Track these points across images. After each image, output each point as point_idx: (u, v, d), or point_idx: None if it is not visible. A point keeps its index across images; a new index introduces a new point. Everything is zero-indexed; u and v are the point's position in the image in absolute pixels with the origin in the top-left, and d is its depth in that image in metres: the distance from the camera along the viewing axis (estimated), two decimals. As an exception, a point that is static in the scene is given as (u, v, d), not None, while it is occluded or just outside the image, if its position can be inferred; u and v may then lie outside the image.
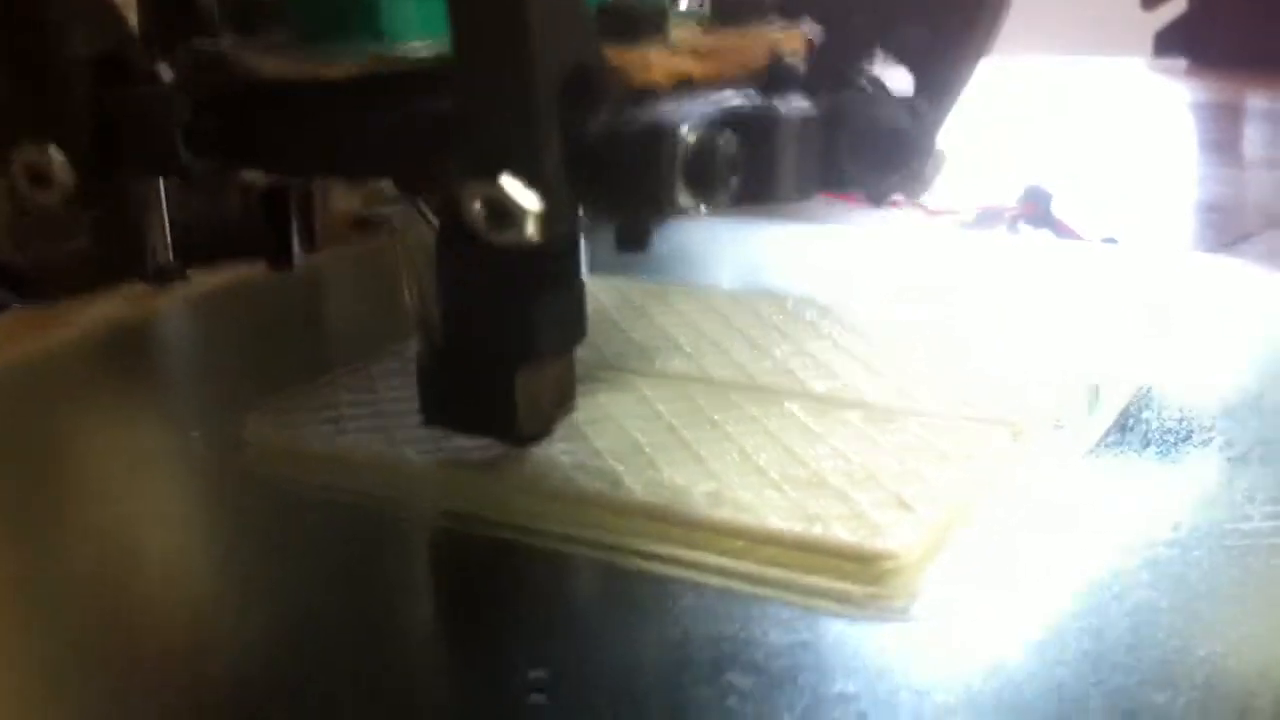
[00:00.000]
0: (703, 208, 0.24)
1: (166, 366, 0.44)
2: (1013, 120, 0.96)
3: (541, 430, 0.30)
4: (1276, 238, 0.65)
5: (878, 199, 0.27)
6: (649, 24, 0.26)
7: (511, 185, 0.23)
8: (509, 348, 0.28)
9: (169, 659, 0.25)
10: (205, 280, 0.47)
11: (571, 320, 0.29)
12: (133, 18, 0.30)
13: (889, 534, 0.27)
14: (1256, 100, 1.12)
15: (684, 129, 0.23)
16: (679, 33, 0.27)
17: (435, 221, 0.28)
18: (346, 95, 0.26)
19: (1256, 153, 0.97)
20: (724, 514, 0.28)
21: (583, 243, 0.30)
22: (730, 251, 0.50)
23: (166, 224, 0.47)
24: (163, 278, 0.46)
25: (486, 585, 0.27)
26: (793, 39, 0.29)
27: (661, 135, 0.23)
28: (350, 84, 0.26)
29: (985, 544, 0.28)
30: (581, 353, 0.31)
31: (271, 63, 0.27)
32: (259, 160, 0.28)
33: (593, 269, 0.35)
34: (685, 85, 0.26)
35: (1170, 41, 1.28)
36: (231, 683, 0.24)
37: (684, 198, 0.23)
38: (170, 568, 0.29)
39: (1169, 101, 1.13)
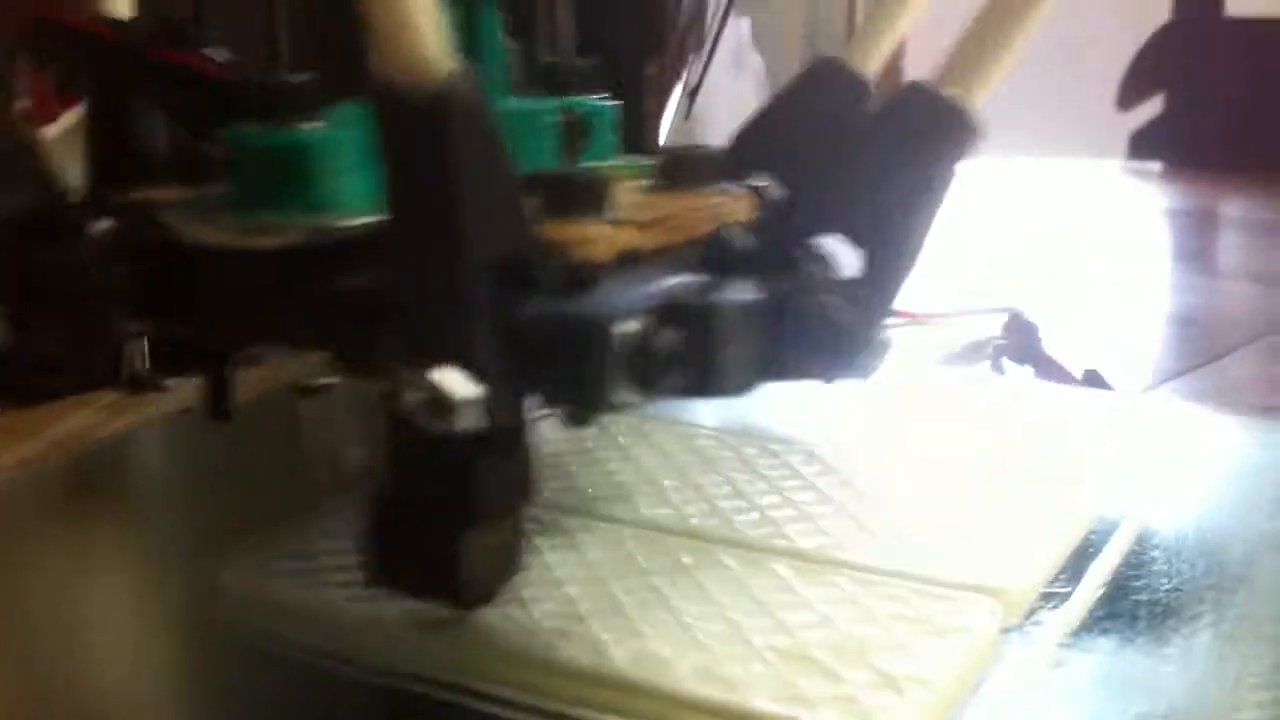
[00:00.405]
0: (639, 401, 0.23)
1: (139, 490, 0.42)
2: (989, 222, 0.96)
3: (485, 597, 0.28)
4: (1247, 357, 0.64)
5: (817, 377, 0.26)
6: (589, 197, 0.26)
7: (444, 377, 0.22)
8: (452, 511, 0.27)
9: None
10: (182, 392, 0.44)
11: (516, 483, 0.28)
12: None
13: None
14: (1230, 207, 1.13)
15: (619, 325, 0.23)
16: (624, 197, 0.27)
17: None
18: (279, 265, 0.26)
19: (1230, 262, 0.97)
20: (712, 693, 0.26)
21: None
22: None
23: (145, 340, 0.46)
24: (138, 387, 0.44)
25: None
26: (740, 204, 0.28)
27: (596, 331, 0.23)
28: (283, 254, 0.26)
29: None
30: (562, 493, 0.30)
31: (206, 231, 0.26)
32: (192, 325, 0.28)
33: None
34: (628, 258, 0.26)
35: (1145, 144, 1.28)
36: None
37: (621, 393, 0.23)
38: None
39: (1143, 206, 1.13)
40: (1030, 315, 0.60)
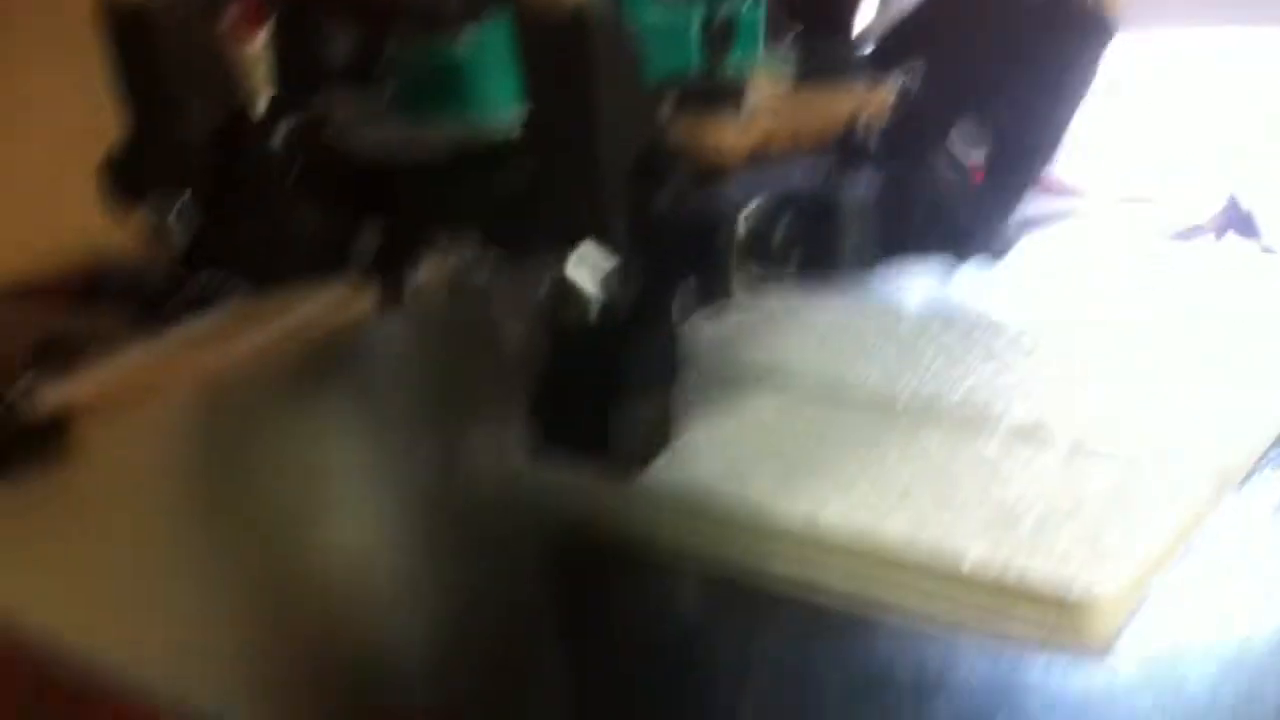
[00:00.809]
0: (762, 285, 0.25)
1: (374, 374, 0.45)
2: (1199, 101, 0.92)
3: (638, 464, 0.30)
4: None
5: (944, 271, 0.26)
6: (724, 99, 0.27)
7: (576, 273, 0.24)
8: (605, 382, 0.29)
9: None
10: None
11: (663, 363, 0.30)
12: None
13: (1087, 580, 0.26)
14: None
15: (742, 215, 0.24)
16: (762, 95, 0.28)
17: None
18: (431, 164, 0.28)
19: None
20: (922, 553, 0.27)
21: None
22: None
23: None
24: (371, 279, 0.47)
25: (683, 616, 0.28)
26: (877, 98, 0.29)
27: (720, 219, 0.24)
28: (442, 156, 0.28)
29: (1183, 592, 0.27)
30: (786, 363, 0.33)
31: (372, 139, 0.29)
32: (365, 219, 0.30)
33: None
34: (760, 154, 0.27)
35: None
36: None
37: (743, 279, 0.24)
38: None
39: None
40: (1246, 199, 0.58)
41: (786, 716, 0.23)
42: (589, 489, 0.31)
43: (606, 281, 0.24)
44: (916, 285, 0.42)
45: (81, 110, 0.49)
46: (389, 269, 0.32)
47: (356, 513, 0.33)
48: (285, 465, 0.35)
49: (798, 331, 0.39)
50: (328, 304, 0.47)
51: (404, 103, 0.29)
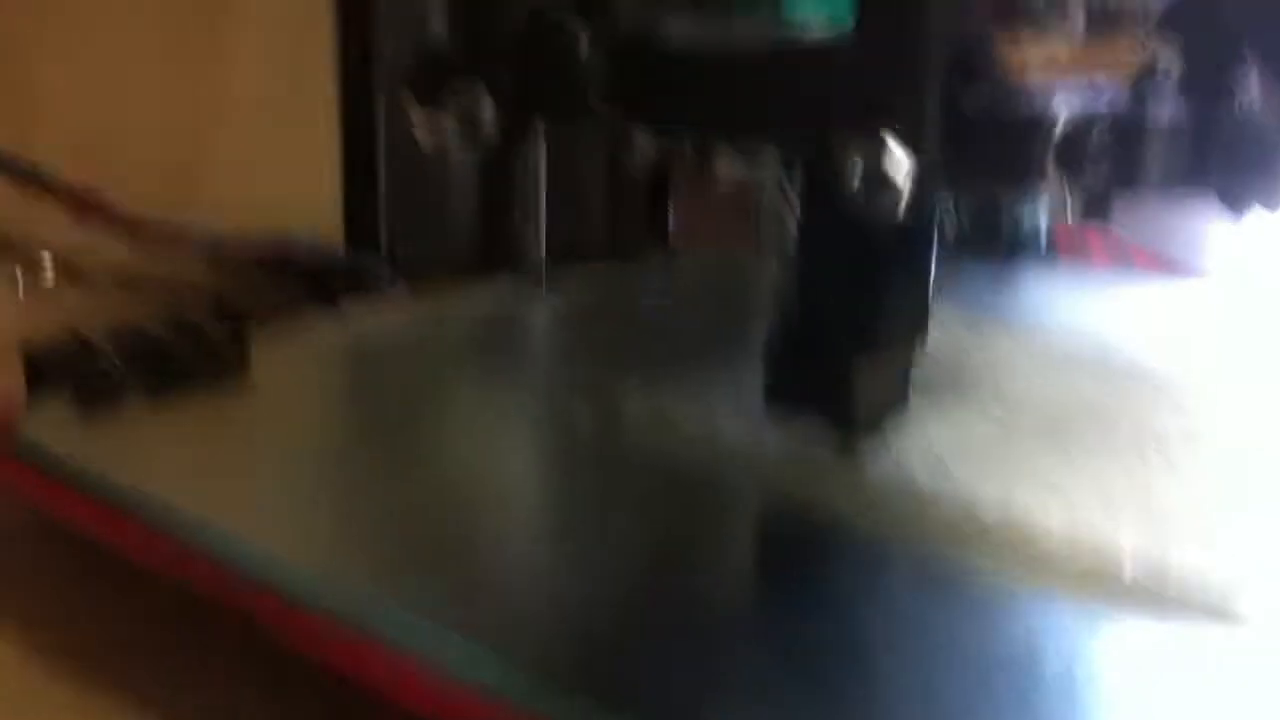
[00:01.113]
0: (1068, 191, 0.25)
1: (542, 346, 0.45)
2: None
3: (876, 422, 0.30)
4: None
5: (1238, 208, 0.26)
6: (1036, 20, 0.28)
7: (890, 146, 0.24)
8: (850, 335, 0.29)
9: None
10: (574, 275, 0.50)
11: (915, 315, 0.30)
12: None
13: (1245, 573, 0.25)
14: None
15: (1059, 114, 0.24)
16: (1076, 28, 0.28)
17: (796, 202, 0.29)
18: (745, 63, 0.28)
19: None
20: (1080, 552, 0.26)
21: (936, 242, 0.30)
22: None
23: (543, 225, 0.53)
24: (535, 273, 0.49)
25: (845, 584, 0.27)
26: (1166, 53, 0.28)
27: (1034, 123, 0.24)
28: (750, 54, 0.28)
29: None
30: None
31: (677, 23, 0.29)
32: (658, 118, 0.30)
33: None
34: (1062, 80, 0.27)
35: None
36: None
37: (1052, 178, 0.24)
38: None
39: None
40: None
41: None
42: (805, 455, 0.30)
43: (911, 180, 0.25)
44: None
45: (288, 84, 0.50)
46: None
47: (554, 469, 0.33)
48: (476, 405, 0.36)
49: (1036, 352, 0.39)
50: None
51: (718, 3, 0.30)
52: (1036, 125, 0.24)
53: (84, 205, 0.48)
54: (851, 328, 0.29)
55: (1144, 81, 0.26)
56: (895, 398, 0.30)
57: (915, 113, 0.24)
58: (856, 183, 0.24)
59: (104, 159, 0.50)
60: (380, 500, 0.29)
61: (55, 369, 0.34)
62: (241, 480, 0.30)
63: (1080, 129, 0.24)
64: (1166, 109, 0.26)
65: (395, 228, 0.66)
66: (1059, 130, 0.24)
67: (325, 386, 0.39)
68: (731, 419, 0.32)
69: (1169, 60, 0.26)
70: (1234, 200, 0.25)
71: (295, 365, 0.39)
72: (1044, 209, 0.64)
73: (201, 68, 0.53)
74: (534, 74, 0.29)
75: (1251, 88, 0.26)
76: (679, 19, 0.29)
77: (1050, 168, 0.24)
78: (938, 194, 0.28)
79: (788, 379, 0.30)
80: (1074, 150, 0.24)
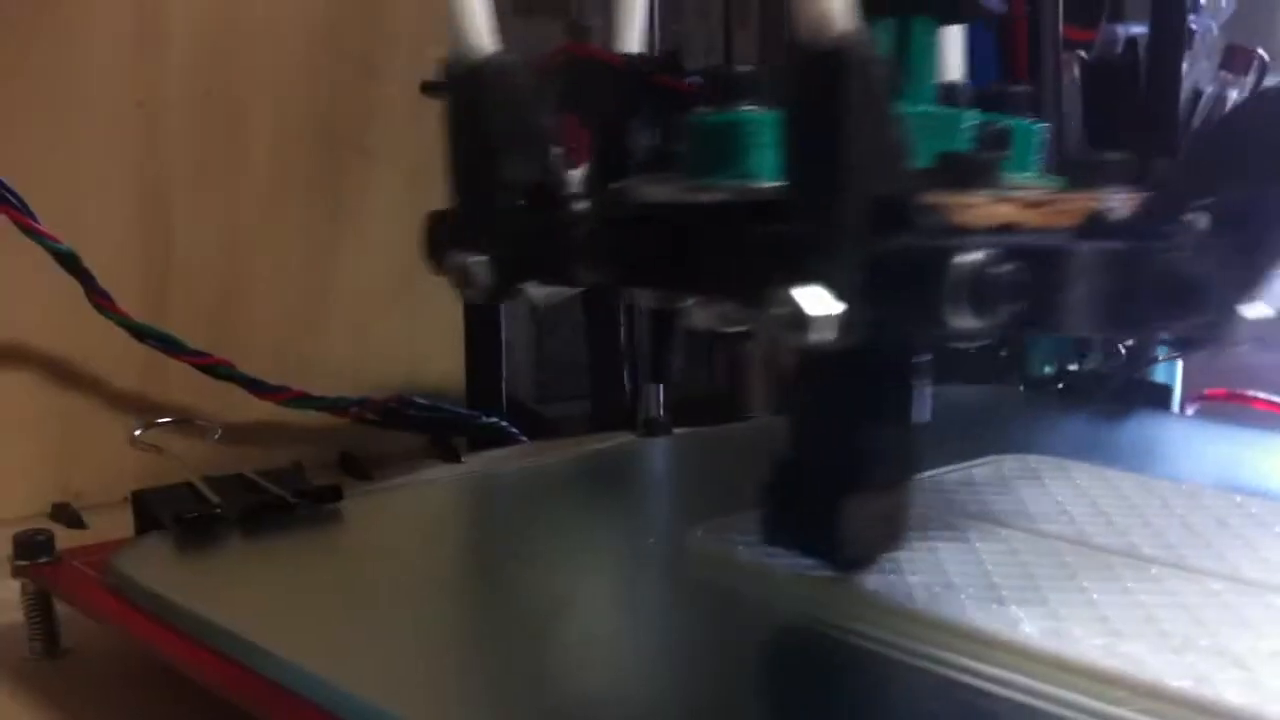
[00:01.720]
0: (979, 327, 0.25)
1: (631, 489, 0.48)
2: None
3: (865, 559, 0.32)
4: None
5: (1183, 346, 0.26)
6: (980, 173, 0.28)
7: (810, 294, 0.25)
8: (840, 475, 0.30)
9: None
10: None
11: (902, 456, 0.31)
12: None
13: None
14: None
15: (962, 258, 0.25)
16: (1024, 190, 0.29)
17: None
18: (706, 221, 0.30)
19: None
20: (1115, 665, 0.27)
21: (925, 391, 0.32)
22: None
23: (661, 388, 0.59)
24: (651, 430, 0.52)
25: (871, 703, 0.28)
26: (1130, 201, 0.29)
27: (940, 255, 0.25)
28: (711, 210, 0.30)
29: None
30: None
31: (654, 191, 0.31)
32: (633, 276, 0.32)
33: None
34: (1006, 229, 0.28)
35: None
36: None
37: (963, 317, 0.25)
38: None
39: None
40: None
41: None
42: (808, 582, 0.32)
43: (835, 325, 0.25)
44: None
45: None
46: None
47: (587, 606, 0.34)
48: (533, 552, 0.38)
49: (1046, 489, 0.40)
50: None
51: (690, 170, 0.31)
52: (942, 262, 0.25)
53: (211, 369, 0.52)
54: (838, 470, 0.30)
55: (1085, 229, 0.27)
56: (888, 532, 0.31)
57: (841, 262, 0.25)
58: (783, 327, 0.25)
59: (231, 326, 0.54)
60: (452, 640, 0.31)
61: (162, 509, 0.37)
62: (304, 614, 0.32)
63: (987, 266, 0.25)
64: (1087, 246, 0.26)
65: (518, 385, 0.70)
66: (965, 268, 0.25)
67: (413, 532, 0.41)
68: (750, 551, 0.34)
69: (1105, 220, 0.28)
70: (1162, 328, 0.26)
71: (390, 512, 0.42)
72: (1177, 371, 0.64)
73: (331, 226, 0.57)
74: (524, 243, 0.31)
75: (1180, 233, 0.26)
76: (653, 187, 0.31)
77: (958, 307, 0.25)
78: (916, 346, 0.30)
79: (783, 518, 0.31)
80: (985, 284, 0.25)
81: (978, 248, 0.25)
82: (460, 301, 0.58)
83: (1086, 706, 0.26)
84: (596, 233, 0.30)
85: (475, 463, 0.54)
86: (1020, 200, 0.29)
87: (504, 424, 0.57)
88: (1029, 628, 0.29)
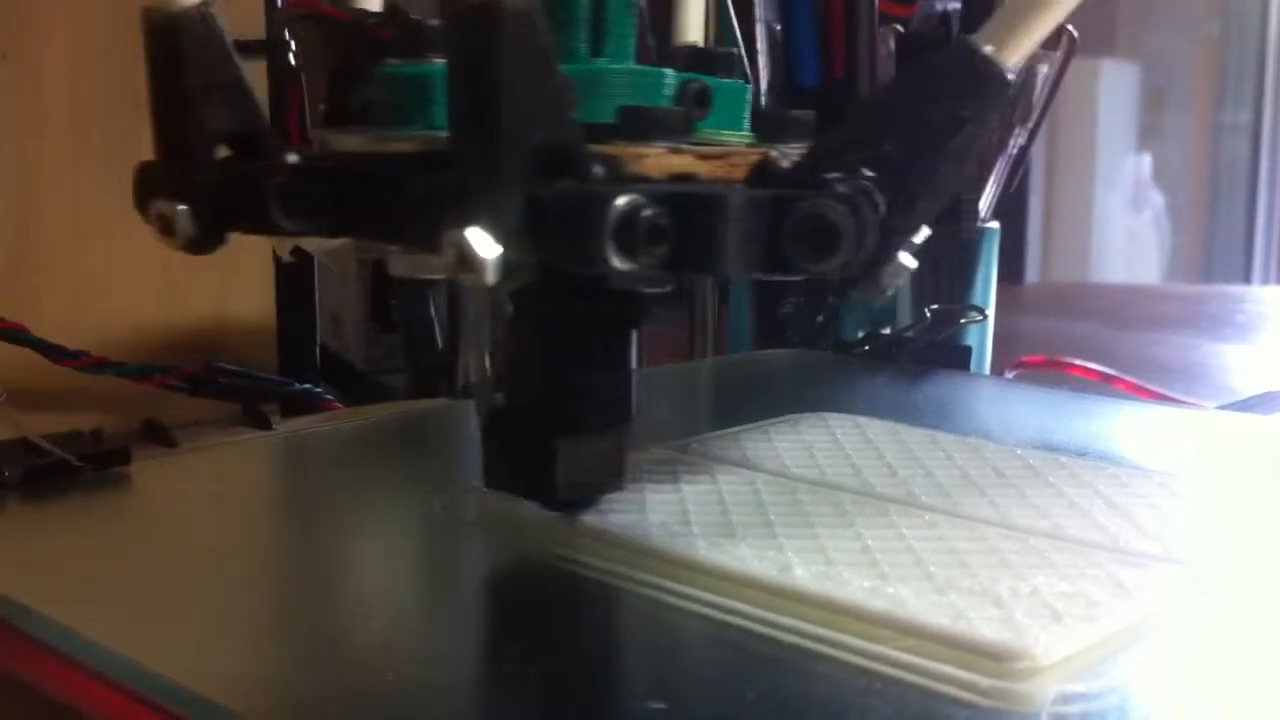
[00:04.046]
0: (631, 269, 0.26)
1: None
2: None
3: (583, 500, 0.33)
4: None
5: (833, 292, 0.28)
6: (660, 127, 0.30)
7: (473, 235, 0.26)
8: (553, 419, 0.32)
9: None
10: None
11: (616, 401, 0.32)
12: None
13: (1032, 638, 0.26)
14: None
15: (616, 199, 0.26)
16: (707, 146, 0.31)
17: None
18: (396, 169, 0.30)
19: None
20: (879, 605, 0.28)
21: (635, 336, 0.33)
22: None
23: (485, 354, 0.52)
24: (470, 395, 0.50)
25: (639, 648, 0.29)
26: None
27: (592, 200, 0.26)
28: (401, 160, 0.31)
29: (1139, 669, 0.26)
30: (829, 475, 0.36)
31: (346, 141, 0.33)
32: (332, 224, 0.32)
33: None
34: (680, 179, 0.30)
35: None
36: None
37: (612, 258, 0.26)
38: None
39: None
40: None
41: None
42: (538, 523, 0.33)
43: (496, 266, 0.26)
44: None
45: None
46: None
47: (357, 564, 0.34)
48: (312, 515, 0.38)
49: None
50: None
51: (387, 121, 0.32)
52: (592, 207, 0.26)
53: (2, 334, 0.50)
54: (553, 412, 0.32)
55: (754, 178, 0.29)
56: (604, 475, 0.33)
57: (494, 206, 0.26)
58: (449, 269, 0.26)
59: (26, 291, 0.52)
60: (226, 604, 0.30)
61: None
62: (80, 578, 0.31)
63: (633, 209, 0.26)
64: (735, 192, 0.27)
65: (353, 355, 0.70)
66: (615, 211, 0.26)
67: (201, 496, 0.40)
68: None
69: (777, 165, 0.29)
70: (808, 271, 0.28)
71: (180, 476, 0.41)
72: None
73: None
74: (224, 192, 0.31)
75: (834, 185, 0.28)
76: (345, 139, 0.32)
77: (609, 249, 0.26)
78: (634, 290, 0.31)
79: (499, 460, 0.33)
80: (633, 227, 0.26)
81: (626, 193, 0.26)
82: (270, 263, 0.57)
83: (852, 645, 0.27)
84: (295, 181, 0.30)
85: (284, 429, 0.53)
86: (695, 153, 0.30)
87: (317, 390, 0.56)
88: (801, 571, 0.29)
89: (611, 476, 0.33)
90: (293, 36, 0.50)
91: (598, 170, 0.28)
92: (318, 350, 0.61)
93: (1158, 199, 2.44)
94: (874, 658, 0.26)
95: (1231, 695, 0.26)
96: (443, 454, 0.46)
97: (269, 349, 0.59)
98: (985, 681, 0.25)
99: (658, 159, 0.30)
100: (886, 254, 0.28)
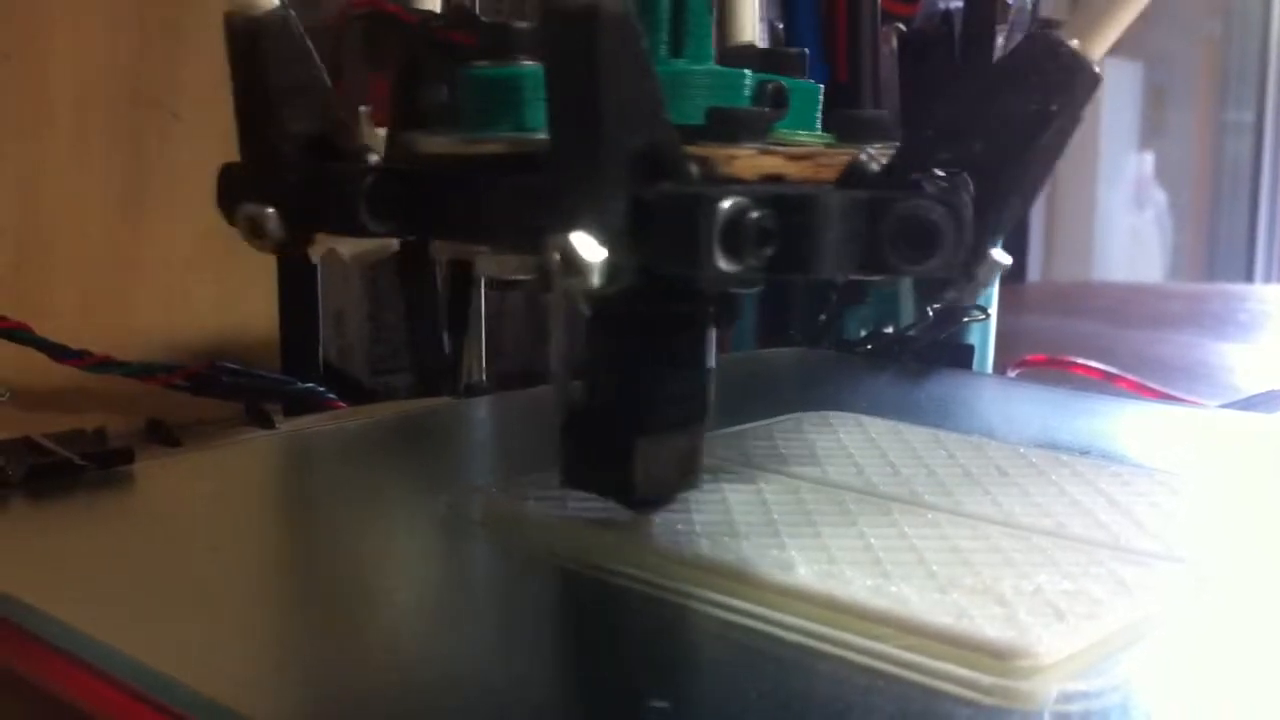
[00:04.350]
0: (735, 271, 0.26)
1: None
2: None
3: (660, 498, 0.32)
4: None
5: (927, 292, 0.28)
6: (747, 128, 0.30)
7: (578, 239, 0.26)
8: (631, 417, 0.31)
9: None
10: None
11: (692, 400, 0.32)
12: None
13: (1035, 636, 0.26)
14: None
15: (720, 204, 0.26)
16: (789, 145, 0.30)
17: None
18: (484, 171, 0.31)
19: None
20: (882, 604, 0.28)
21: (712, 335, 0.33)
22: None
23: (483, 349, 0.57)
24: (472, 395, 0.53)
25: (641, 646, 0.29)
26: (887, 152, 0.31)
27: (700, 202, 0.26)
28: (488, 162, 0.31)
29: (1141, 667, 0.26)
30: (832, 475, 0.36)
31: (431, 143, 0.32)
32: (419, 225, 0.33)
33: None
34: (771, 180, 0.30)
35: None
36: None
37: (719, 261, 0.26)
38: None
39: None
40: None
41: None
42: (544, 523, 0.33)
43: (601, 269, 0.26)
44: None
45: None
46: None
47: (372, 567, 0.34)
48: (328, 514, 0.38)
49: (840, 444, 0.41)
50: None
51: (468, 124, 0.32)
52: (698, 209, 0.26)
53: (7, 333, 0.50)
54: (631, 413, 0.31)
55: (845, 179, 0.29)
56: (681, 474, 0.32)
57: (597, 209, 0.26)
58: (557, 273, 0.26)
59: (30, 290, 0.53)
60: (229, 604, 0.30)
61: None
62: (84, 577, 0.31)
63: (740, 211, 0.26)
64: (836, 194, 0.27)
65: (352, 356, 0.70)
66: (721, 213, 0.26)
67: (205, 496, 0.40)
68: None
69: (860, 171, 0.29)
70: (921, 284, 0.27)
71: (184, 476, 0.41)
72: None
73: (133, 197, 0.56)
74: (311, 194, 0.31)
75: (927, 184, 0.28)
76: (431, 140, 0.32)
77: (715, 252, 0.26)
78: (705, 293, 0.30)
79: (578, 461, 0.32)
80: (739, 229, 0.26)
81: (732, 195, 0.26)
82: (273, 263, 0.57)
83: (855, 644, 0.27)
84: (380, 183, 0.30)
85: (288, 429, 0.53)
86: (785, 154, 0.30)
87: (320, 389, 0.56)
88: (804, 569, 0.29)
89: (687, 475, 0.33)
90: (343, 34, 0.49)
91: (694, 172, 0.27)
92: (320, 351, 0.61)
93: (1160, 197, 2.44)
94: (877, 656, 0.26)
95: (1233, 693, 0.26)
96: (448, 453, 0.46)
97: (273, 348, 0.59)
98: (988, 680, 0.25)
99: (749, 160, 0.29)
100: (981, 251, 0.28)
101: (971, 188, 0.28)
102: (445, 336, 0.62)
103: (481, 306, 0.61)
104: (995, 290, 0.66)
